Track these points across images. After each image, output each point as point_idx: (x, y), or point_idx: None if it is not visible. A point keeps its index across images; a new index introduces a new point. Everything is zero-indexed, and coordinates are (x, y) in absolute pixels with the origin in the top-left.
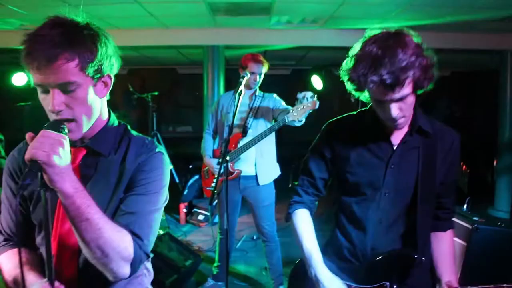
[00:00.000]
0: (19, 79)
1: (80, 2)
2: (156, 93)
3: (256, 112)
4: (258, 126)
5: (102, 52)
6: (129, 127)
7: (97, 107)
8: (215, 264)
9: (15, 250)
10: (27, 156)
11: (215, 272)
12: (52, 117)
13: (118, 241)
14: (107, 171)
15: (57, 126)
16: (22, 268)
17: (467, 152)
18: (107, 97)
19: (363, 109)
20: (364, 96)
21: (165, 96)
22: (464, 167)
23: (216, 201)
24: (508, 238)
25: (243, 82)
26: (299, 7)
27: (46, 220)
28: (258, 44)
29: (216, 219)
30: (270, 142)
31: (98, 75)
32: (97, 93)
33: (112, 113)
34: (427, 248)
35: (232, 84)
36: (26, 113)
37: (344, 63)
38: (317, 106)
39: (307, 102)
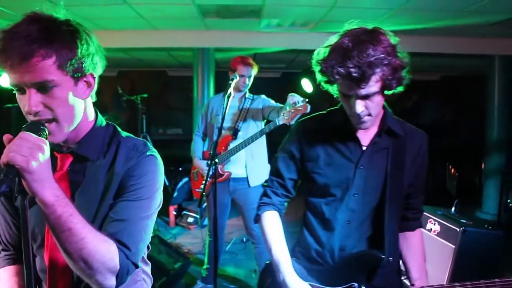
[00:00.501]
0: (5, 80)
1: (69, 3)
2: (145, 95)
3: (246, 114)
4: (248, 128)
5: (82, 50)
6: (118, 128)
7: (80, 109)
8: (204, 267)
9: (12, 268)
10: (3, 159)
11: (204, 275)
12: (30, 119)
13: (103, 251)
14: (95, 177)
15: (37, 127)
16: None
17: (455, 155)
18: (93, 98)
19: (333, 108)
20: (333, 89)
21: (155, 98)
22: (452, 170)
23: (205, 203)
24: (495, 240)
25: (232, 84)
26: (289, 10)
27: (25, 229)
28: (248, 47)
29: (206, 222)
30: (260, 144)
31: (79, 74)
32: (79, 93)
33: (99, 114)
34: (394, 249)
35: (222, 86)
36: (13, 115)
37: (316, 53)
38: (308, 110)
39: (298, 105)
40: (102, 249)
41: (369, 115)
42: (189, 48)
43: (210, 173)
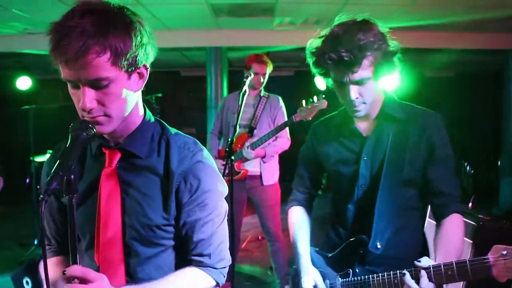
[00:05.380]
0: (23, 83)
1: None
2: (160, 95)
3: (261, 113)
4: (263, 126)
5: (136, 42)
6: (166, 125)
7: (131, 101)
8: None
9: (56, 259)
10: None
11: None
12: (83, 115)
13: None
14: (150, 175)
15: (85, 126)
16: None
17: (471, 152)
18: (142, 89)
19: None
20: (329, 81)
21: (169, 99)
22: (468, 167)
23: None
24: None
25: (247, 82)
26: (302, 8)
27: (72, 230)
28: (261, 45)
29: None
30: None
31: (133, 68)
32: (131, 85)
33: (147, 109)
34: (386, 235)
35: (235, 86)
36: (30, 116)
37: (308, 44)
38: (326, 106)
39: (316, 102)
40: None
41: (363, 102)
42: (202, 47)
43: (227, 171)
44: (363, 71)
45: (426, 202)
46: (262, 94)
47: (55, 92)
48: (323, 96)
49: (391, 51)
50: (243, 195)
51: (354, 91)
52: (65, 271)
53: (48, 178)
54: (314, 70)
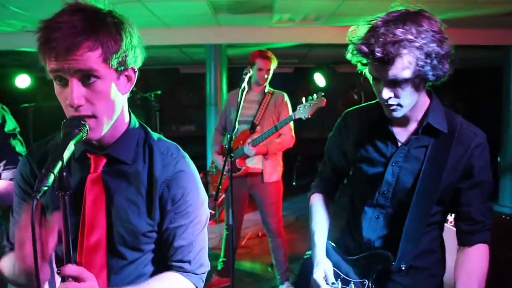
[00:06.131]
0: (22, 81)
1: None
2: (159, 92)
3: (265, 109)
4: (266, 123)
5: (126, 42)
6: (149, 130)
7: (119, 104)
8: (220, 260)
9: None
10: None
11: (219, 268)
12: (69, 112)
13: None
14: (135, 180)
15: (77, 122)
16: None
17: None
18: (127, 95)
19: (377, 100)
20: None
21: (168, 96)
22: None
23: (221, 197)
24: None
25: (246, 78)
26: (301, 5)
27: (66, 228)
28: (261, 42)
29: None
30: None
31: (122, 68)
32: (119, 88)
33: (132, 115)
34: (412, 256)
35: (235, 83)
36: (30, 115)
37: (349, 30)
38: (324, 104)
39: (315, 100)
40: None
41: (399, 105)
42: (201, 44)
43: (226, 167)
44: (399, 71)
45: (447, 213)
46: (266, 91)
47: (55, 90)
48: (322, 93)
49: (440, 53)
50: (244, 192)
51: (386, 91)
52: (59, 270)
53: (40, 176)
54: (351, 58)
